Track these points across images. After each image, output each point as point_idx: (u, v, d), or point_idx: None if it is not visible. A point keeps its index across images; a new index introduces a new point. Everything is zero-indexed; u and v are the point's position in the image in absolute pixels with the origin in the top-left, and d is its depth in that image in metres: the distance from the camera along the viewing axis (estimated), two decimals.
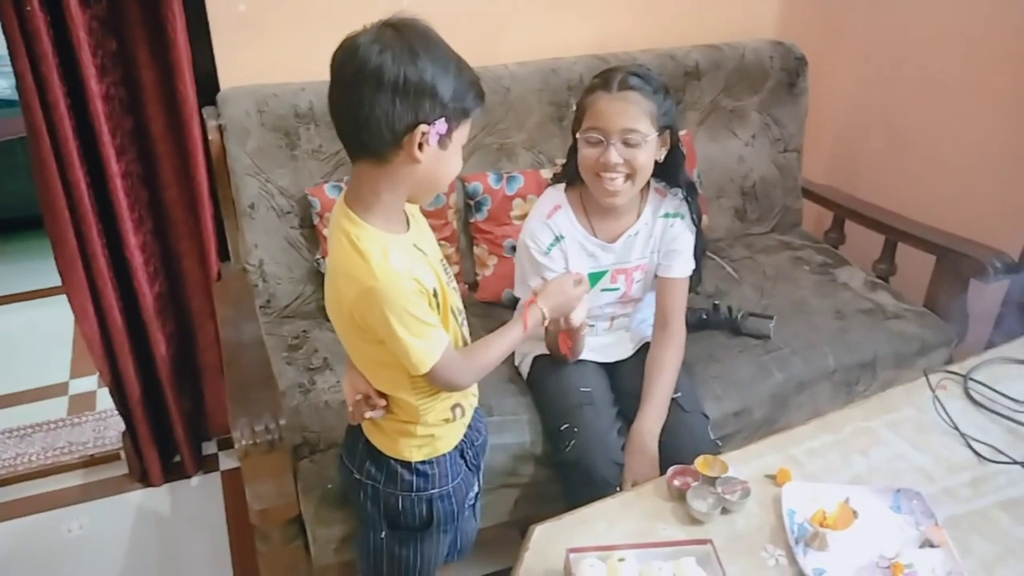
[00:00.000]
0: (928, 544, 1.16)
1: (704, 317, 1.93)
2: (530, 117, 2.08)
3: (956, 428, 1.39)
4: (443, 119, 1.07)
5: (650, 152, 1.56)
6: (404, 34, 1.04)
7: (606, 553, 1.10)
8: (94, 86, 1.71)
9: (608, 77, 1.54)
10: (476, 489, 1.45)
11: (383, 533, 1.36)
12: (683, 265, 1.69)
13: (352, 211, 1.13)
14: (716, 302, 1.96)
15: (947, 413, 1.41)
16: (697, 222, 1.70)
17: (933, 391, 1.46)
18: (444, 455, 1.32)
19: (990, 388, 1.49)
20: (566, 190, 1.68)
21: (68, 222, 1.80)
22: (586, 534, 1.17)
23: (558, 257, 1.64)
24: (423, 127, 1.06)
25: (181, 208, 1.97)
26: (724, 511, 1.22)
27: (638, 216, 1.67)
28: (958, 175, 2.27)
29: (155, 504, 2.14)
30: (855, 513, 1.16)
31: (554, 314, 1.34)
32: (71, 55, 1.67)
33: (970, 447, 1.35)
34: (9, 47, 1.61)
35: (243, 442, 1.39)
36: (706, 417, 1.66)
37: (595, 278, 1.67)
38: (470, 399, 1.36)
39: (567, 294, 1.35)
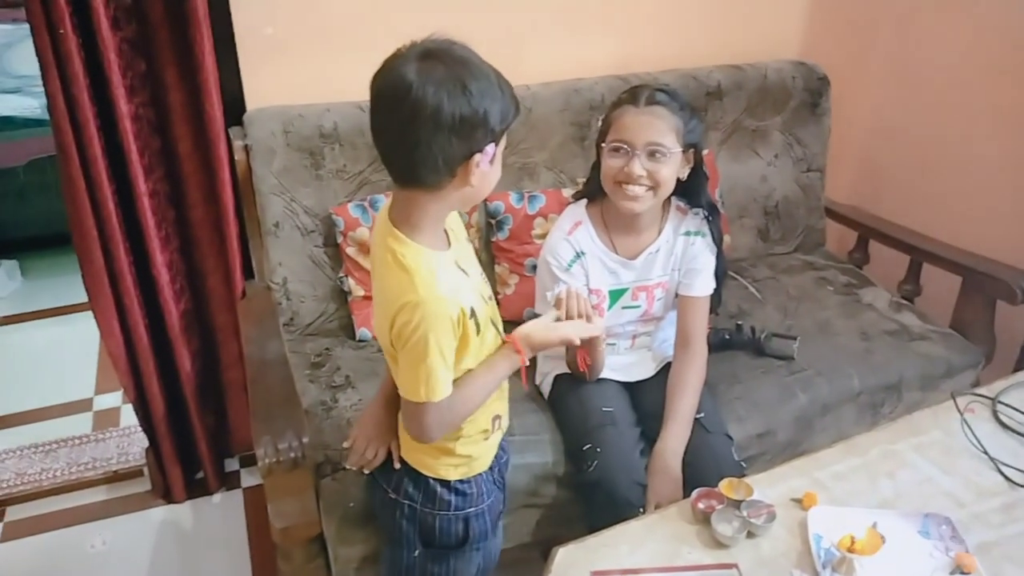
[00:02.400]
0: (958, 571, 1.14)
1: (727, 337, 1.92)
2: (552, 137, 2.09)
3: (986, 452, 1.37)
4: (492, 143, 1.11)
5: (673, 168, 1.57)
6: (451, 67, 1.06)
7: None
8: (123, 106, 1.73)
9: (636, 92, 1.57)
10: (503, 508, 1.45)
11: (416, 552, 1.36)
12: (704, 284, 1.68)
13: (399, 230, 1.15)
14: (739, 322, 1.95)
15: (975, 436, 1.39)
16: (718, 243, 1.70)
17: (961, 414, 1.44)
18: (481, 474, 1.34)
19: (1019, 411, 1.46)
20: (587, 207, 1.69)
21: (96, 240, 1.82)
22: (609, 557, 1.16)
23: (579, 273, 1.64)
24: (477, 156, 1.09)
25: (207, 227, 1.98)
26: (749, 535, 1.20)
27: (659, 233, 1.67)
28: (984, 195, 2.25)
29: (177, 520, 2.15)
30: (883, 538, 1.14)
31: (535, 352, 1.32)
32: (101, 76, 1.69)
33: (1000, 471, 1.33)
34: (42, 68, 1.64)
35: (266, 460, 1.39)
36: (730, 438, 1.64)
37: (615, 295, 1.67)
38: (506, 412, 1.38)
39: (548, 339, 1.32)
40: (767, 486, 1.29)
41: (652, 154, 1.53)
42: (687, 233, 1.67)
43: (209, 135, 1.84)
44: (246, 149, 1.87)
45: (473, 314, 1.17)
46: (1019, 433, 1.42)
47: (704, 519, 1.22)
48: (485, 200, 2.03)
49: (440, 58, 1.07)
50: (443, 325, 1.12)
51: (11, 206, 3.18)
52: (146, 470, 2.24)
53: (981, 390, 1.53)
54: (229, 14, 1.87)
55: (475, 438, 1.29)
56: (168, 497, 2.19)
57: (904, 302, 2.14)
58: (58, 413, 2.52)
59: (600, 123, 1.63)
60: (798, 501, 1.26)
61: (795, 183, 2.36)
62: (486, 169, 1.13)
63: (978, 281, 1.99)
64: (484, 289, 1.26)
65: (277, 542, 1.54)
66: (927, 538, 1.20)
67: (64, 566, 2.01)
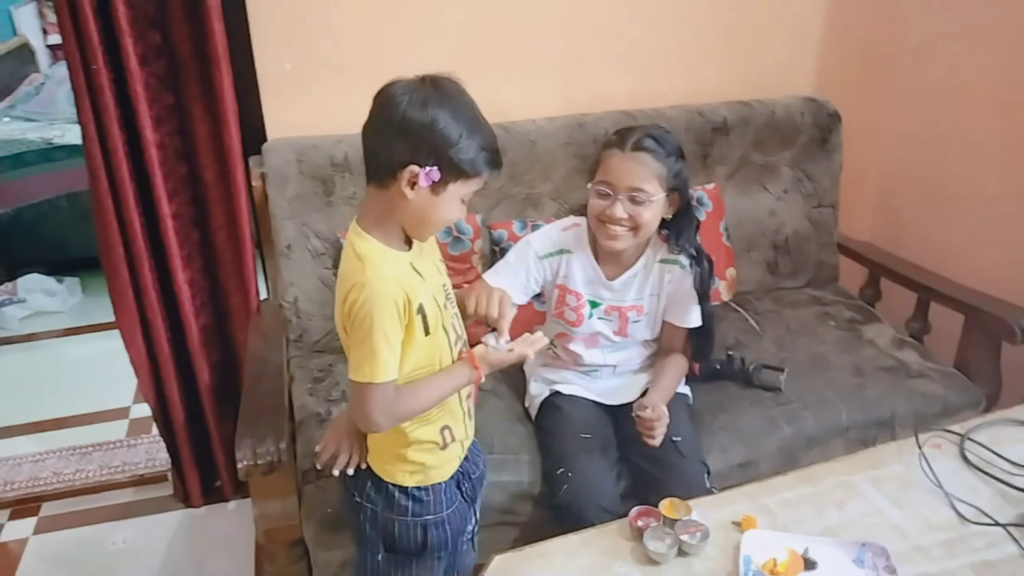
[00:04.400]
0: None
1: (717, 367, 1.95)
2: (556, 169, 2.17)
3: (940, 486, 1.36)
4: (436, 168, 1.18)
5: (656, 211, 1.63)
6: (430, 86, 1.19)
7: None
8: (149, 135, 1.89)
9: (624, 136, 1.63)
10: (473, 522, 1.51)
11: (380, 556, 1.43)
12: (689, 318, 1.73)
13: (359, 226, 1.27)
14: (731, 352, 1.97)
15: (932, 471, 1.39)
16: (700, 290, 1.71)
17: (920, 447, 1.43)
18: (440, 484, 1.40)
19: (989, 449, 1.45)
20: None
21: (122, 257, 1.98)
22: (542, 566, 1.21)
23: (546, 269, 1.71)
24: (414, 167, 1.18)
25: (229, 249, 2.12)
26: (682, 553, 1.23)
27: (639, 258, 1.73)
28: (1001, 234, 2.21)
29: (193, 524, 2.27)
30: (808, 563, 1.16)
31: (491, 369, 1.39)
32: (130, 107, 1.86)
33: (952, 507, 1.33)
34: (76, 100, 1.82)
35: (245, 463, 1.50)
36: (705, 465, 1.67)
37: (592, 304, 1.74)
38: (465, 429, 1.43)
39: (505, 359, 1.38)
40: (712, 509, 1.32)
41: (633, 199, 1.59)
42: (663, 261, 1.71)
43: (228, 163, 1.98)
44: (262, 177, 2.01)
45: (422, 311, 1.25)
46: (983, 471, 1.41)
47: (639, 536, 1.26)
48: (490, 228, 2.12)
49: (429, 80, 1.20)
50: (387, 307, 1.20)
51: (76, 227, 3.42)
52: (170, 475, 2.38)
53: (953, 427, 1.52)
54: (252, 52, 2.02)
55: (426, 446, 1.36)
56: (187, 502, 2.32)
57: (909, 339, 2.12)
58: (97, 419, 2.70)
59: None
60: (738, 524, 1.28)
61: (806, 218, 2.36)
62: (428, 193, 1.20)
63: (981, 319, 1.97)
64: (440, 297, 1.32)
65: (261, 543, 1.63)
66: (860, 567, 1.21)
67: (86, 561, 2.16)
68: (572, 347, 1.78)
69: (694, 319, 1.73)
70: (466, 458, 1.46)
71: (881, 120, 2.54)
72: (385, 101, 1.19)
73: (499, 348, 1.35)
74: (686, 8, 2.29)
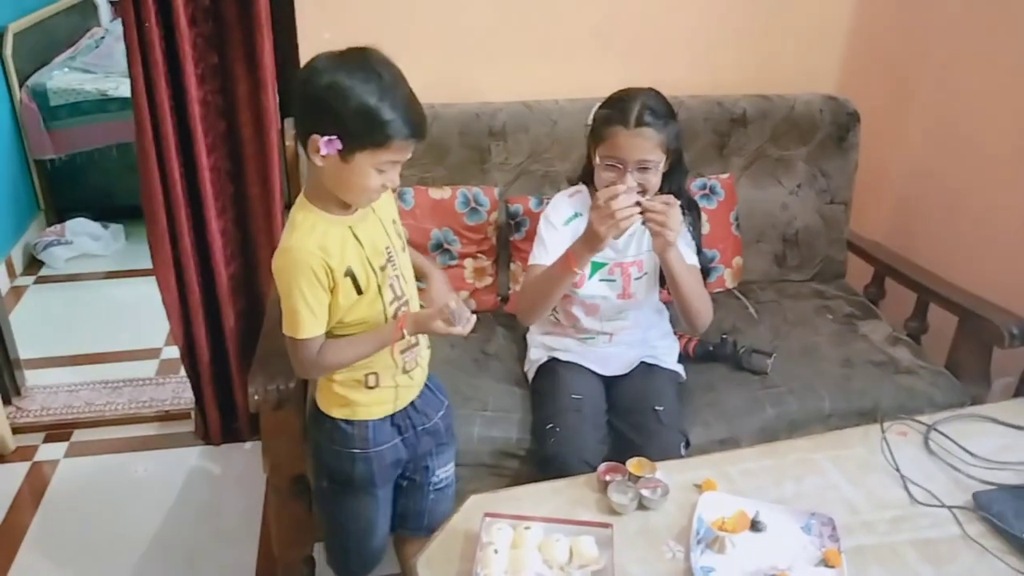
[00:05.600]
0: (823, 564, 1.23)
1: (710, 349, 2.03)
2: (575, 149, 2.24)
3: (897, 469, 1.44)
4: (336, 137, 1.23)
5: (660, 172, 1.74)
6: (342, 56, 1.26)
7: (517, 522, 1.25)
8: (194, 92, 2.02)
9: (625, 111, 1.70)
10: (432, 472, 1.61)
11: (324, 483, 1.58)
12: (687, 254, 1.79)
13: (304, 194, 1.39)
14: (724, 336, 2.05)
15: (892, 455, 1.46)
16: (695, 236, 1.84)
17: (883, 432, 1.51)
18: (367, 421, 1.49)
19: (953, 441, 1.52)
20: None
21: (161, 205, 2.12)
22: (513, 508, 1.32)
23: (568, 235, 1.78)
24: (315, 136, 1.25)
25: (260, 203, 2.25)
26: (642, 507, 1.33)
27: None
28: (1007, 245, 2.23)
29: (211, 460, 2.43)
30: (757, 524, 1.25)
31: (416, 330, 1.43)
32: (177, 65, 1.99)
33: (905, 488, 1.40)
34: (128, 54, 1.95)
35: (256, 397, 1.63)
36: (683, 435, 1.76)
37: (595, 267, 1.83)
38: (395, 378, 1.49)
39: (431, 328, 1.39)
40: (677, 471, 1.41)
41: (642, 169, 1.70)
42: None
43: (264, 123, 2.11)
44: (295, 137, 2.13)
45: (351, 274, 1.35)
46: (942, 460, 1.48)
47: (605, 488, 1.36)
48: (507, 201, 2.22)
49: (347, 52, 1.28)
50: (303, 273, 1.31)
51: (124, 176, 3.60)
52: (193, 413, 2.54)
53: (922, 418, 1.59)
54: (294, 20, 2.15)
55: (350, 384, 1.46)
56: (207, 439, 2.48)
57: (904, 338, 2.17)
58: (131, 357, 2.89)
59: (591, 121, 1.79)
60: (699, 486, 1.38)
61: (817, 214, 2.42)
62: (337, 161, 1.25)
63: (973, 322, 2.02)
64: (378, 260, 1.40)
65: (266, 475, 1.77)
66: (807, 533, 1.30)
67: (110, 484, 2.33)
68: (573, 310, 1.88)
69: (691, 258, 1.81)
70: (413, 407, 1.54)
71: (902, 124, 2.57)
72: (300, 72, 1.28)
73: (460, 312, 1.36)
74: (715, 0, 2.36)
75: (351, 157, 1.26)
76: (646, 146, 1.69)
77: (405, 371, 1.50)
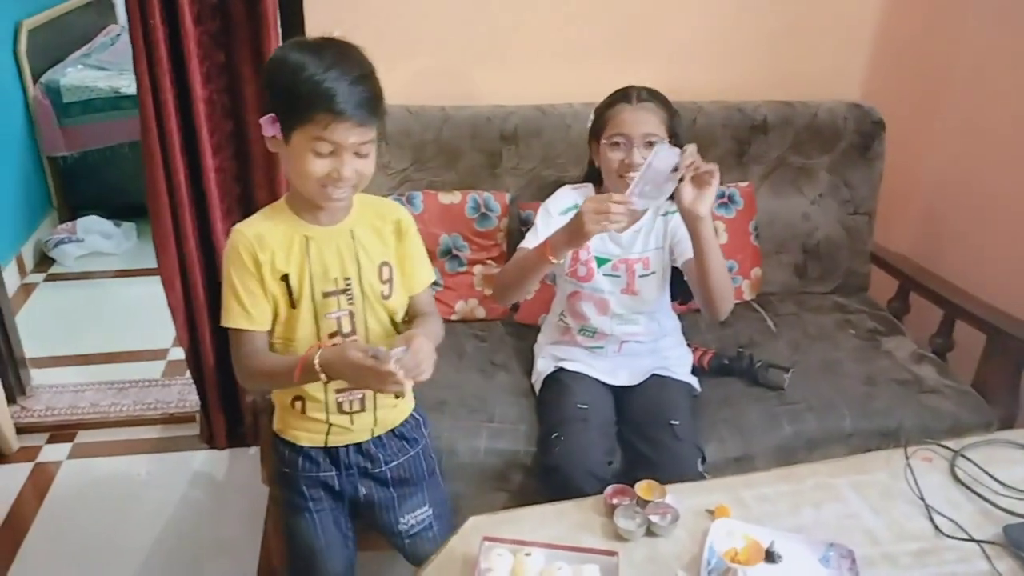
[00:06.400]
0: None
1: (726, 363, 1.96)
2: (588, 154, 2.19)
3: (922, 498, 1.37)
4: (273, 113, 1.22)
5: None
6: (311, 39, 1.24)
7: (517, 547, 1.19)
8: (199, 91, 1.98)
9: (628, 92, 1.76)
10: (400, 522, 1.49)
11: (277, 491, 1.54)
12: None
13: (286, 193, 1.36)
14: (741, 349, 1.98)
15: (916, 482, 1.39)
16: None
17: (907, 458, 1.44)
18: (297, 444, 1.42)
19: (980, 468, 1.44)
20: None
21: (166, 205, 2.08)
22: (513, 531, 1.26)
23: (561, 224, 1.69)
24: (264, 119, 1.23)
25: (266, 205, 2.21)
26: (651, 534, 1.27)
27: (643, 213, 1.79)
28: None
29: (214, 464, 2.39)
30: (772, 556, 1.19)
31: (332, 378, 1.27)
32: (182, 63, 1.95)
33: (930, 519, 1.33)
34: (133, 52, 1.91)
35: (254, 399, 1.59)
36: (700, 450, 1.69)
37: (601, 261, 1.79)
38: (339, 419, 1.39)
39: (344, 372, 1.24)
40: (688, 495, 1.35)
41: (648, 144, 1.67)
42: (665, 213, 1.78)
43: None
44: None
45: (287, 280, 1.29)
46: (969, 488, 1.40)
47: (612, 512, 1.29)
48: (518, 207, 2.16)
49: (309, 38, 1.26)
50: (232, 255, 1.28)
51: (136, 174, 3.54)
52: (198, 416, 2.50)
53: (948, 443, 1.51)
54: (303, 18, 2.10)
55: (284, 403, 1.41)
56: (211, 443, 2.44)
57: (930, 355, 2.09)
58: (137, 358, 2.85)
59: (592, 120, 1.80)
60: (711, 512, 1.31)
61: (840, 224, 2.34)
62: (282, 145, 1.23)
63: (1002, 340, 1.94)
64: (323, 285, 1.31)
65: (265, 484, 1.72)
66: (825, 566, 1.23)
67: (113, 486, 2.30)
68: (582, 308, 1.82)
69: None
70: (358, 449, 1.43)
71: (930, 134, 2.49)
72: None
73: (390, 356, 1.18)
74: (735, 4, 2.30)
75: (290, 138, 1.22)
76: (651, 120, 1.70)
77: (342, 411, 1.39)
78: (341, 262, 1.33)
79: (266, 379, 1.37)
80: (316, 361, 1.23)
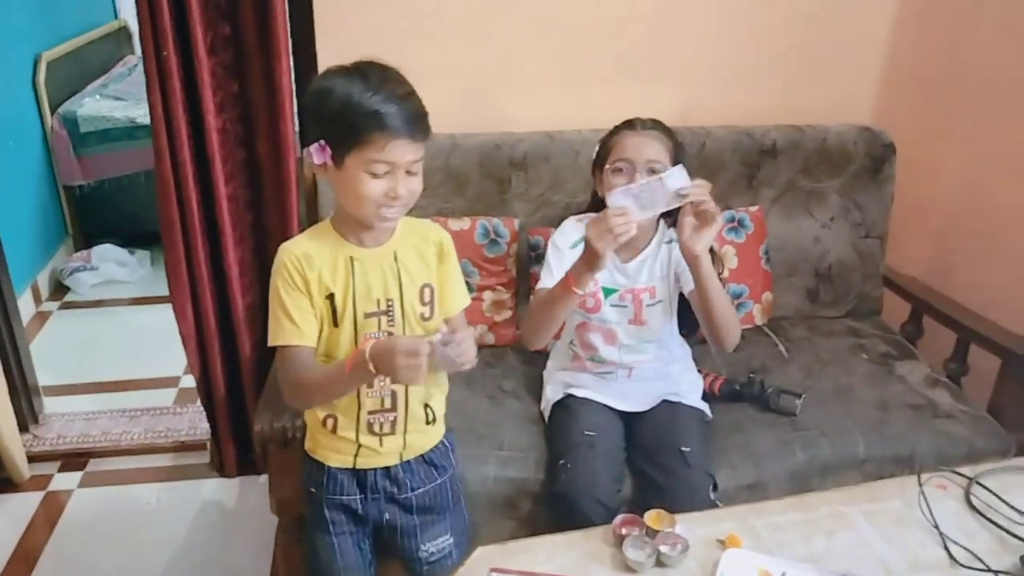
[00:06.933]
0: None
1: (737, 388, 1.95)
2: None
3: (936, 527, 1.34)
4: (324, 142, 1.23)
5: None
6: (348, 65, 1.25)
7: None
8: (212, 120, 2.01)
9: (632, 121, 1.77)
10: (421, 549, 1.48)
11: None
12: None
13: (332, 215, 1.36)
14: (752, 375, 1.96)
15: (930, 510, 1.37)
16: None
17: (921, 486, 1.41)
18: (324, 465, 1.43)
19: (996, 496, 1.42)
20: None
21: (179, 233, 2.10)
22: (523, 562, 1.25)
23: (573, 259, 1.67)
24: (309, 148, 1.24)
25: (279, 232, 2.21)
26: (661, 564, 1.25)
27: (649, 243, 1.79)
28: None
29: (224, 493, 2.39)
30: None
31: (381, 371, 1.24)
32: (196, 93, 1.97)
33: (945, 548, 1.31)
34: (147, 83, 1.94)
35: (262, 430, 1.58)
36: (711, 477, 1.67)
37: (607, 292, 1.79)
38: (368, 440, 1.40)
39: (394, 361, 1.20)
40: (698, 524, 1.33)
41: (652, 170, 1.66)
42: (670, 241, 1.78)
43: (282, 152, 2.08)
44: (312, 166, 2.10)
45: (331, 299, 1.30)
46: (985, 516, 1.38)
47: (621, 542, 1.28)
48: (527, 233, 2.16)
49: (350, 64, 1.27)
50: (280, 271, 1.29)
51: (151, 203, 3.58)
52: (208, 444, 2.50)
53: (963, 470, 1.49)
54: (315, 47, 2.12)
55: (315, 421, 1.41)
56: (222, 471, 2.44)
57: (944, 380, 2.07)
58: (149, 385, 2.86)
59: (597, 150, 1.80)
60: (722, 542, 1.30)
61: (852, 248, 2.33)
62: (333, 169, 1.25)
63: (1017, 364, 1.92)
64: (366, 305, 1.32)
65: (274, 513, 1.72)
66: None
67: (122, 515, 2.29)
68: (590, 339, 1.81)
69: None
70: (386, 473, 1.43)
71: (941, 157, 2.48)
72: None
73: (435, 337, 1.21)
74: (744, 29, 2.31)
75: (342, 162, 1.23)
76: (655, 146, 1.71)
77: (372, 432, 1.40)
78: (384, 283, 1.34)
79: (317, 390, 1.35)
80: (367, 354, 1.22)
